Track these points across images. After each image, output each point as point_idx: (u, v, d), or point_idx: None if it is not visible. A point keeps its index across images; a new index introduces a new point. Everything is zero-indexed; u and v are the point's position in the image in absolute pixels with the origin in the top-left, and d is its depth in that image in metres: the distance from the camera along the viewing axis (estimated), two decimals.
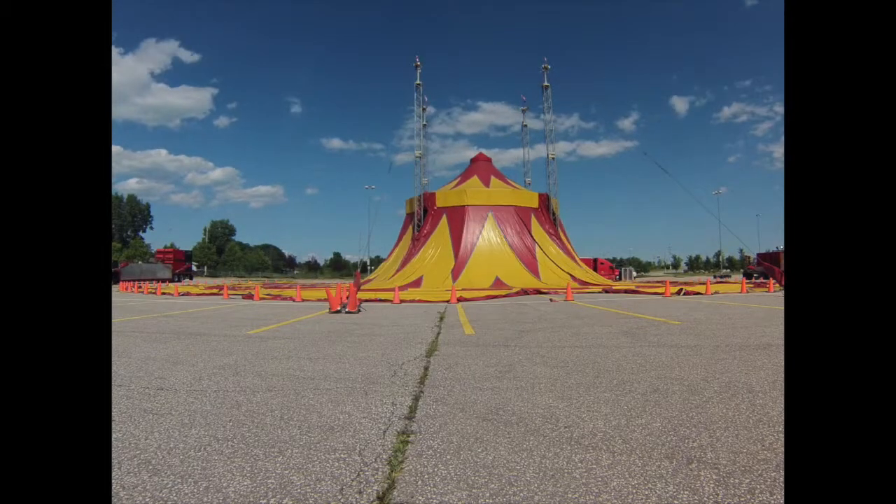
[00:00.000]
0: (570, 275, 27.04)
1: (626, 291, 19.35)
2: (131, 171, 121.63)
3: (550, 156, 33.70)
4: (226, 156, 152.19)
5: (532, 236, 29.61)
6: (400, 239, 33.33)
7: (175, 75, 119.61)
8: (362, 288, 16.74)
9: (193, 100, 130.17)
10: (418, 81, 32.97)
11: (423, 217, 30.94)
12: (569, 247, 31.74)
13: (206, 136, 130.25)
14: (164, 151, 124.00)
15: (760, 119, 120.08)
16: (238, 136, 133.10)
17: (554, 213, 31.98)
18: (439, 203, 30.74)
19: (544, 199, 32.14)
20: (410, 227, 31.73)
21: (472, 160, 35.64)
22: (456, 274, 26.39)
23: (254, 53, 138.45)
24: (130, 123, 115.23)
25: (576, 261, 30.82)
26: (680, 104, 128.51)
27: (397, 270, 28.87)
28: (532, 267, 27.83)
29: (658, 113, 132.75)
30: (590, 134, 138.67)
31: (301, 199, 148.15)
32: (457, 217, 29.45)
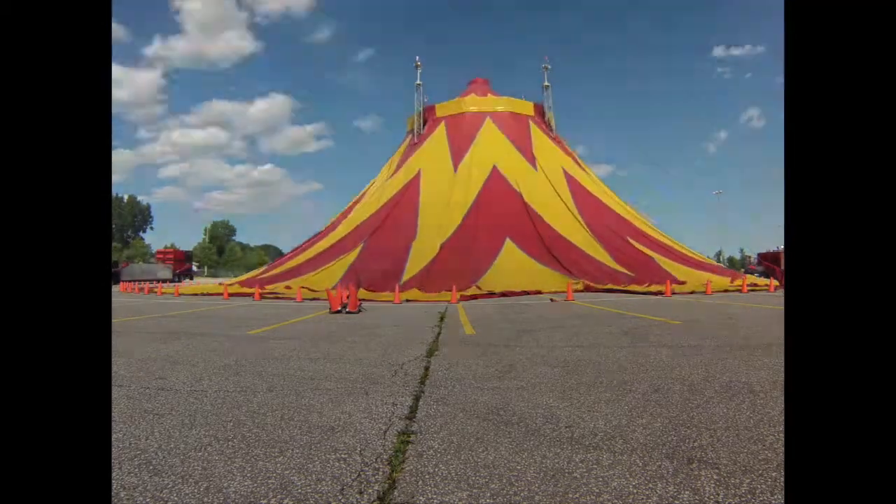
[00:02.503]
0: (564, 170, 27.83)
1: (626, 291, 19.41)
2: (238, 183, 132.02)
3: None
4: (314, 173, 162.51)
5: (529, 133, 30.01)
6: (396, 152, 33.68)
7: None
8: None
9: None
10: (418, 81, 32.96)
11: (422, 126, 31.66)
12: (568, 148, 31.84)
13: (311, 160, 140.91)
14: (280, 170, 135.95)
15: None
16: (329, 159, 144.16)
17: (550, 125, 32.04)
18: (438, 114, 31.50)
19: (540, 109, 32.18)
20: (409, 138, 32.28)
21: (470, 83, 35.03)
22: (455, 163, 27.26)
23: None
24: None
25: (576, 161, 30.78)
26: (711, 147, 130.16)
27: (395, 170, 29.37)
28: (528, 155, 28.33)
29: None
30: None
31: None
32: (455, 121, 30.33)
